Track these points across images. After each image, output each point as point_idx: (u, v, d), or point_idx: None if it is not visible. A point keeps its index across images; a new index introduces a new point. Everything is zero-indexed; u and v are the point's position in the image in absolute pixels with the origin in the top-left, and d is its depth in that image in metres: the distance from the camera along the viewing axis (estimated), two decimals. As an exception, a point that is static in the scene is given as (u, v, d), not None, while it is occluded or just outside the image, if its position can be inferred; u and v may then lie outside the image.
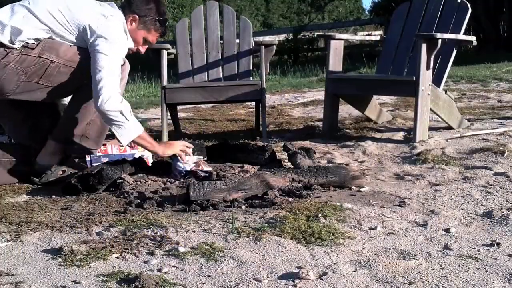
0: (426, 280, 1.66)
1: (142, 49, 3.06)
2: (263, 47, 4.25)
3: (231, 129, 4.59)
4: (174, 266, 1.80)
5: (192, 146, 3.01)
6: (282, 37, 14.09)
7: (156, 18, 2.97)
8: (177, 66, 4.36)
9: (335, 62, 4.17)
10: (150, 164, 3.03)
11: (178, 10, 20.53)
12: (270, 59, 4.44)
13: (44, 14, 2.78)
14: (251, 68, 4.42)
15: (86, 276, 1.73)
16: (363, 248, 1.94)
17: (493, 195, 2.53)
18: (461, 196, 2.54)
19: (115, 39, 2.78)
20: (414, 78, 3.66)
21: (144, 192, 2.64)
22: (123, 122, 2.72)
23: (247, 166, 3.12)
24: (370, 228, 2.13)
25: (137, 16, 2.93)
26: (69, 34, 2.81)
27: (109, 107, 2.67)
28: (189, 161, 2.92)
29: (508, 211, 2.29)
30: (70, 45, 2.81)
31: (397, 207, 2.39)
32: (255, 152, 3.21)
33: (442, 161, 3.14)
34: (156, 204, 2.44)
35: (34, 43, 2.74)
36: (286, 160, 3.13)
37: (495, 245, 1.93)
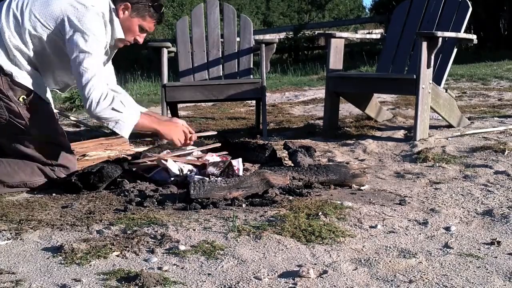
0: (426, 278, 1.66)
1: (140, 39, 2.91)
2: (264, 45, 4.25)
3: (231, 127, 4.59)
4: (175, 265, 1.80)
5: (193, 132, 2.92)
6: (282, 35, 14.08)
7: (150, 4, 2.81)
8: (178, 64, 4.36)
9: (336, 61, 4.17)
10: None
11: (178, 8, 20.51)
12: (270, 58, 4.43)
13: (26, 17, 2.66)
14: (252, 66, 4.42)
15: (87, 274, 1.73)
16: (364, 247, 1.94)
17: (494, 193, 2.53)
18: (462, 195, 2.54)
19: (97, 33, 2.65)
20: (415, 76, 3.66)
21: (144, 190, 2.63)
22: (117, 117, 2.65)
23: (247, 165, 3.12)
24: (371, 227, 2.13)
25: (128, 4, 2.77)
26: (46, 29, 2.67)
27: (100, 108, 2.61)
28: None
29: (509, 209, 2.29)
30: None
31: (398, 206, 2.39)
32: (255, 150, 3.20)
33: (443, 160, 3.14)
34: (156, 202, 2.44)
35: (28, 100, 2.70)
36: (287, 159, 3.13)
37: (496, 243, 1.93)
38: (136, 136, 3.97)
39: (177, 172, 2.80)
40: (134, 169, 2.84)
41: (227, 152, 3.11)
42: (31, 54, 2.72)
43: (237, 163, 2.86)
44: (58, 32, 2.68)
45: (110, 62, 3.01)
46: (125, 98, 2.88)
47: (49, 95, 2.94)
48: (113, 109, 2.64)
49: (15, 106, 2.69)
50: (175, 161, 2.87)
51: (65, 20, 2.65)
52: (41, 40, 2.70)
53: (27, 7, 2.69)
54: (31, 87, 2.72)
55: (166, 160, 2.84)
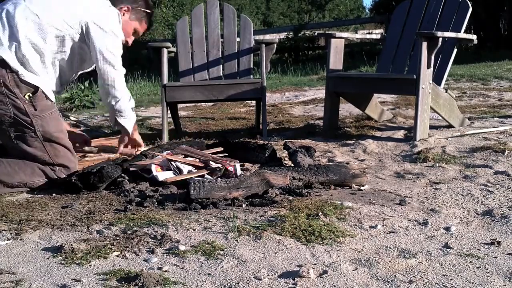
0: (426, 278, 1.66)
1: (130, 41, 3.10)
2: (264, 45, 4.25)
3: (231, 127, 4.59)
4: (175, 265, 1.80)
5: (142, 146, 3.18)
6: (282, 35, 14.09)
7: (146, 10, 3.03)
8: (178, 65, 4.36)
9: (336, 61, 4.17)
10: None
11: (178, 8, 20.50)
12: (270, 58, 4.43)
13: (47, 15, 2.71)
14: (252, 66, 4.42)
15: (87, 275, 1.73)
16: (364, 247, 1.94)
17: (494, 193, 2.53)
18: (462, 195, 2.54)
19: (118, 33, 2.81)
20: (415, 76, 3.66)
21: (144, 190, 2.63)
22: (130, 115, 2.96)
23: (247, 165, 3.12)
24: (371, 227, 2.13)
25: (130, 7, 2.98)
26: (70, 29, 2.75)
27: (125, 107, 2.90)
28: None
29: (509, 209, 2.29)
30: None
31: (398, 206, 2.39)
32: (255, 150, 3.21)
33: (443, 160, 3.14)
34: (156, 203, 2.44)
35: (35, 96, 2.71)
36: (287, 159, 3.13)
37: (496, 243, 1.93)
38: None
39: (164, 177, 2.77)
40: (132, 169, 2.83)
41: (226, 154, 3.10)
42: (46, 53, 2.75)
43: (234, 168, 2.87)
44: (81, 33, 2.78)
45: None
46: None
47: (52, 95, 2.95)
48: (132, 109, 2.96)
49: (20, 103, 2.69)
50: (174, 161, 2.87)
51: (89, 22, 2.76)
52: (62, 40, 2.76)
53: (48, 7, 2.73)
54: (38, 85, 2.73)
55: (154, 165, 2.83)
